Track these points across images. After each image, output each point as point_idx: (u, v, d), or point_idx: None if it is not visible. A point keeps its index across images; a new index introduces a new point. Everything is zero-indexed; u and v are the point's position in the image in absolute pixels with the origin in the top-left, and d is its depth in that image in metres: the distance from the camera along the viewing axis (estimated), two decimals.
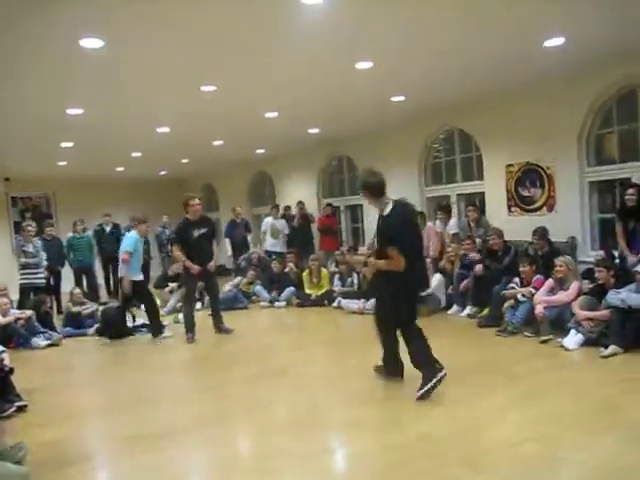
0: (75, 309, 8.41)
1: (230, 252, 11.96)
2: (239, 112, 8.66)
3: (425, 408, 4.26)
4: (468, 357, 5.79)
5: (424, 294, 7.95)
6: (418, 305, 5.06)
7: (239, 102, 8.02)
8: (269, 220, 11.62)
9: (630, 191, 6.41)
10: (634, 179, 6.82)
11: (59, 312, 9.90)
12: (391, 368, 4.94)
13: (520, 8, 4.99)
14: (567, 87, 7.47)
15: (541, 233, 7.24)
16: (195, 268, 7.22)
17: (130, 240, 7.78)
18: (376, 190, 4.63)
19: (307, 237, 11.66)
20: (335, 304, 9.27)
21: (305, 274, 9.96)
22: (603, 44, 6.17)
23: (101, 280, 11.66)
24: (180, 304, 9.50)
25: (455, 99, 8.45)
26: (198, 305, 8.99)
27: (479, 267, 7.63)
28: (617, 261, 6.48)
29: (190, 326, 7.38)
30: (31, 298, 8.56)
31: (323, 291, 9.68)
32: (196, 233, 7.31)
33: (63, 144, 10.11)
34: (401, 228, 4.54)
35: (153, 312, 7.83)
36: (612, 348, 5.31)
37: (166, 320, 8.78)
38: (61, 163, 12.44)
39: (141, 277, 7.92)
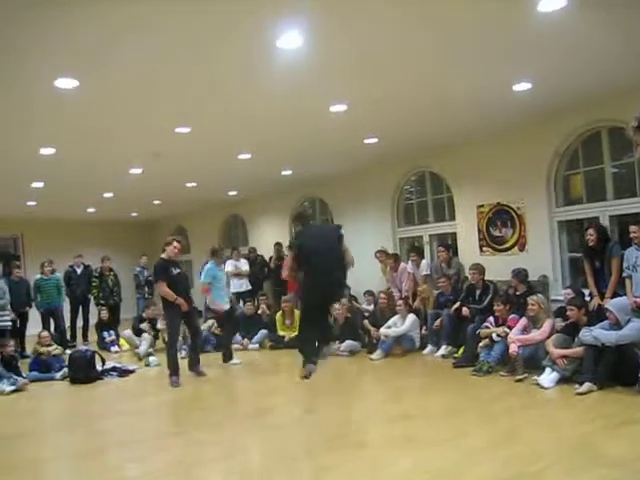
0: (43, 350, 8.16)
1: None
2: (212, 154, 8.70)
3: (401, 452, 4.18)
4: (444, 398, 5.75)
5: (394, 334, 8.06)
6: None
7: (213, 144, 8.05)
8: (231, 262, 11.59)
9: (590, 231, 6.55)
10: None
11: (22, 356, 9.57)
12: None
13: (491, 54, 5.17)
14: (535, 130, 7.68)
15: (518, 273, 7.35)
16: (184, 304, 7.12)
17: (204, 272, 8.38)
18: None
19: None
20: None
21: (278, 316, 9.87)
22: (568, 90, 6.40)
23: (68, 323, 11.33)
24: (151, 348, 9.37)
25: (427, 141, 8.61)
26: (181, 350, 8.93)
27: (465, 309, 7.65)
28: (588, 299, 6.56)
29: (175, 369, 7.11)
30: None
31: (297, 333, 9.57)
32: (174, 271, 7.25)
33: (34, 184, 9.99)
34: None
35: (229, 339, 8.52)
36: (587, 385, 5.33)
37: (136, 364, 8.62)
38: (30, 203, 12.26)
39: (227, 307, 8.53)
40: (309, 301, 5.63)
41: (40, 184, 10.03)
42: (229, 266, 11.48)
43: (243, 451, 4.50)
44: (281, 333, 9.68)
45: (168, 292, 7.07)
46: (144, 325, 9.86)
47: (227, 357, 8.33)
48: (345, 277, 5.58)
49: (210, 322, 10.33)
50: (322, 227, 5.53)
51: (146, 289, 12.16)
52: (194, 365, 7.50)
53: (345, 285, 5.43)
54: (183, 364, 7.41)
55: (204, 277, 8.30)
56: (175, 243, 7.36)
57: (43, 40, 4.24)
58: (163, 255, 7.33)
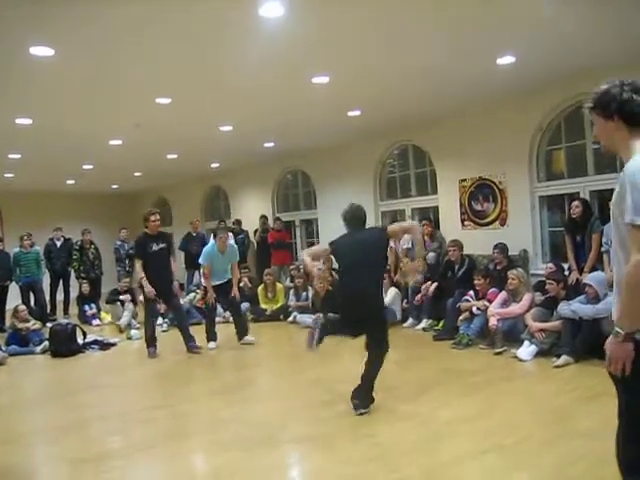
0: (21, 326, 8.07)
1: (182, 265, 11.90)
2: (194, 125, 8.57)
3: (382, 422, 4.24)
4: (424, 370, 5.82)
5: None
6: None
7: (194, 115, 7.93)
8: None
9: (575, 203, 6.65)
10: None
11: (1, 330, 9.50)
12: None
13: (474, 26, 5.12)
14: (517, 105, 7.67)
15: (501, 248, 7.43)
16: (151, 290, 7.02)
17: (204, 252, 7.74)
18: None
19: (269, 251, 11.60)
20: (290, 319, 9.23)
21: (260, 289, 9.89)
22: (551, 64, 6.37)
23: (48, 296, 11.22)
24: (133, 320, 9.37)
25: (410, 115, 8.56)
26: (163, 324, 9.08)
27: (430, 289, 7.85)
28: (567, 273, 6.65)
29: (151, 340, 7.20)
30: None
31: (278, 306, 9.63)
32: (154, 247, 7.13)
33: (10, 155, 9.80)
34: None
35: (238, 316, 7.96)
36: (564, 358, 5.44)
37: (118, 337, 8.61)
38: (8, 175, 12.04)
39: (219, 282, 7.76)
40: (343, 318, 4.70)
41: (17, 155, 9.85)
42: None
43: (224, 423, 4.53)
44: (263, 306, 9.72)
45: (140, 270, 7.11)
46: (123, 297, 9.81)
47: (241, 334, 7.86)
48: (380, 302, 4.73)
49: (192, 295, 10.33)
50: (363, 233, 4.77)
51: (127, 262, 12.04)
52: (187, 342, 7.37)
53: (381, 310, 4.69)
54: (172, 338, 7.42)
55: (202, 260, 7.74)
56: (152, 217, 7.19)
57: (18, 7, 4.11)
58: (146, 230, 7.24)
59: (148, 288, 7.01)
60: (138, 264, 7.19)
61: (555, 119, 7.60)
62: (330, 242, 4.81)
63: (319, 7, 4.51)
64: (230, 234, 11.43)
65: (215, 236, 7.68)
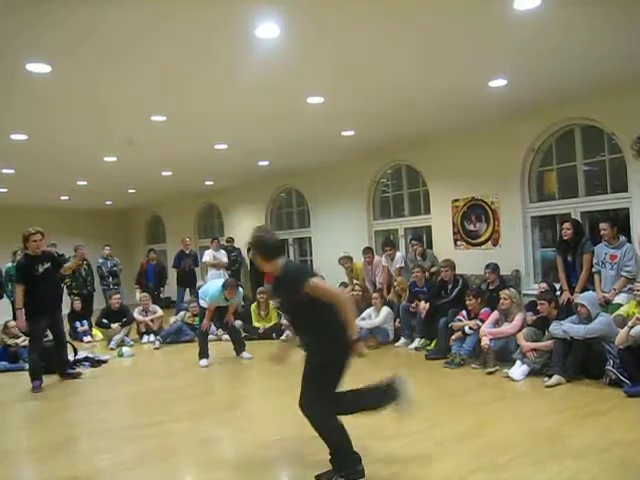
0: (11, 342, 7.99)
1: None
2: (189, 143, 8.61)
3: (374, 441, 4.22)
4: (416, 389, 5.78)
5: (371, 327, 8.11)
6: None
7: (189, 133, 7.98)
8: (210, 252, 11.54)
9: (566, 225, 6.71)
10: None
11: None
12: None
13: (467, 50, 5.20)
14: (510, 125, 7.76)
15: (493, 268, 7.47)
16: (21, 324, 6.61)
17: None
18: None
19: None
20: (283, 337, 9.18)
21: (253, 307, 9.87)
22: (543, 87, 6.47)
23: None
24: (127, 338, 9.32)
25: (403, 135, 8.65)
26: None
27: (423, 305, 7.80)
28: (558, 293, 6.69)
29: (36, 373, 6.71)
30: None
31: (271, 324, 9.60)
32: (40, 269, 6.62)
33: (4, 170, 9.80)
34: None
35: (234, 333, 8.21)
36: (556, 378, 5.45)
37: (109, 354, 8.55)
38: (1, 190, 12.02)
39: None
40: None
41: (11, 170, 9.86)
42: (207, 256, 11.43)
43: (215, 442, 4.50)
44: (256, 324, 9.68)
45: (18, 299, 6.57)
46: (114, 326, 9.63)
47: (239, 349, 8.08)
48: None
49: (182, 313, 10.28)
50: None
51: (110, 280, 11.89)
52: (61, 368, 7.11)
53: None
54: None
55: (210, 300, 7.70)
56: (32, 237, 6.68)
57: (15, 24, 4.15)
58: (28, 251, 6.74)
59: (20, 321, 6.60)
60: (19, 290, 6.53)
61: (547, 141, 7.70)
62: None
63: (314, 29, 4.58)
64: (223, 252, 11.54)
65: (225, 287, 7.55)
